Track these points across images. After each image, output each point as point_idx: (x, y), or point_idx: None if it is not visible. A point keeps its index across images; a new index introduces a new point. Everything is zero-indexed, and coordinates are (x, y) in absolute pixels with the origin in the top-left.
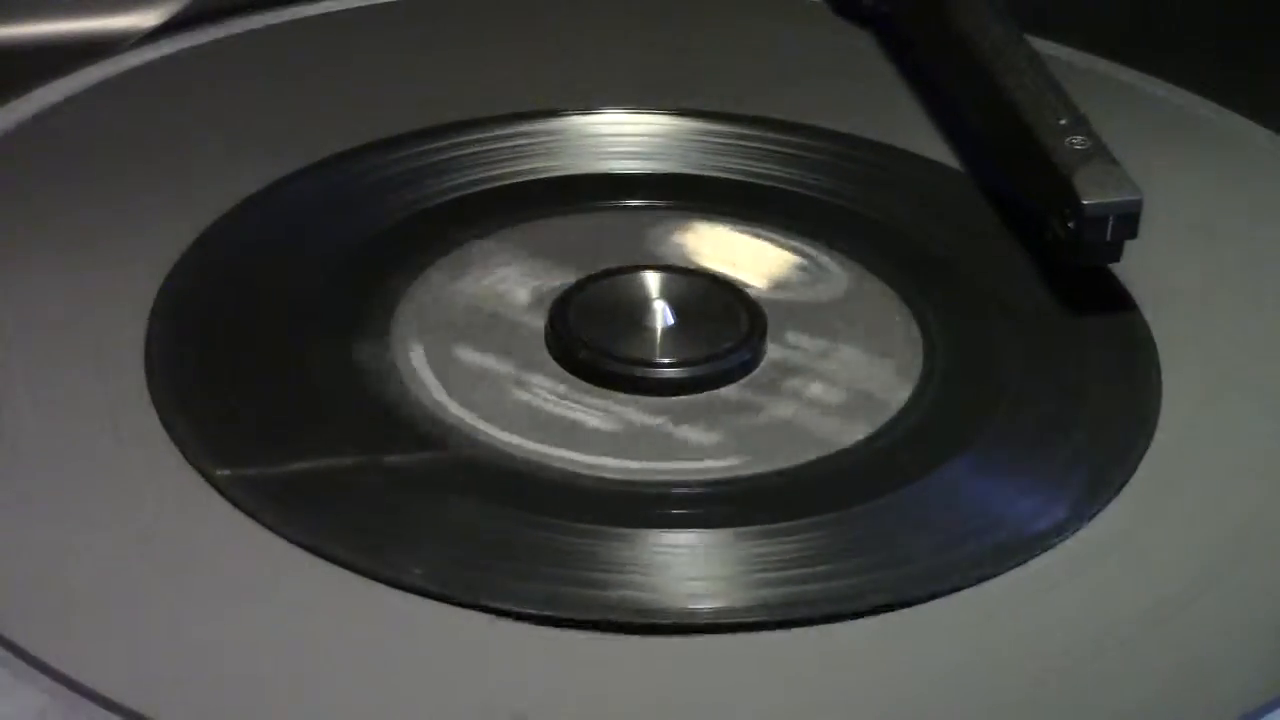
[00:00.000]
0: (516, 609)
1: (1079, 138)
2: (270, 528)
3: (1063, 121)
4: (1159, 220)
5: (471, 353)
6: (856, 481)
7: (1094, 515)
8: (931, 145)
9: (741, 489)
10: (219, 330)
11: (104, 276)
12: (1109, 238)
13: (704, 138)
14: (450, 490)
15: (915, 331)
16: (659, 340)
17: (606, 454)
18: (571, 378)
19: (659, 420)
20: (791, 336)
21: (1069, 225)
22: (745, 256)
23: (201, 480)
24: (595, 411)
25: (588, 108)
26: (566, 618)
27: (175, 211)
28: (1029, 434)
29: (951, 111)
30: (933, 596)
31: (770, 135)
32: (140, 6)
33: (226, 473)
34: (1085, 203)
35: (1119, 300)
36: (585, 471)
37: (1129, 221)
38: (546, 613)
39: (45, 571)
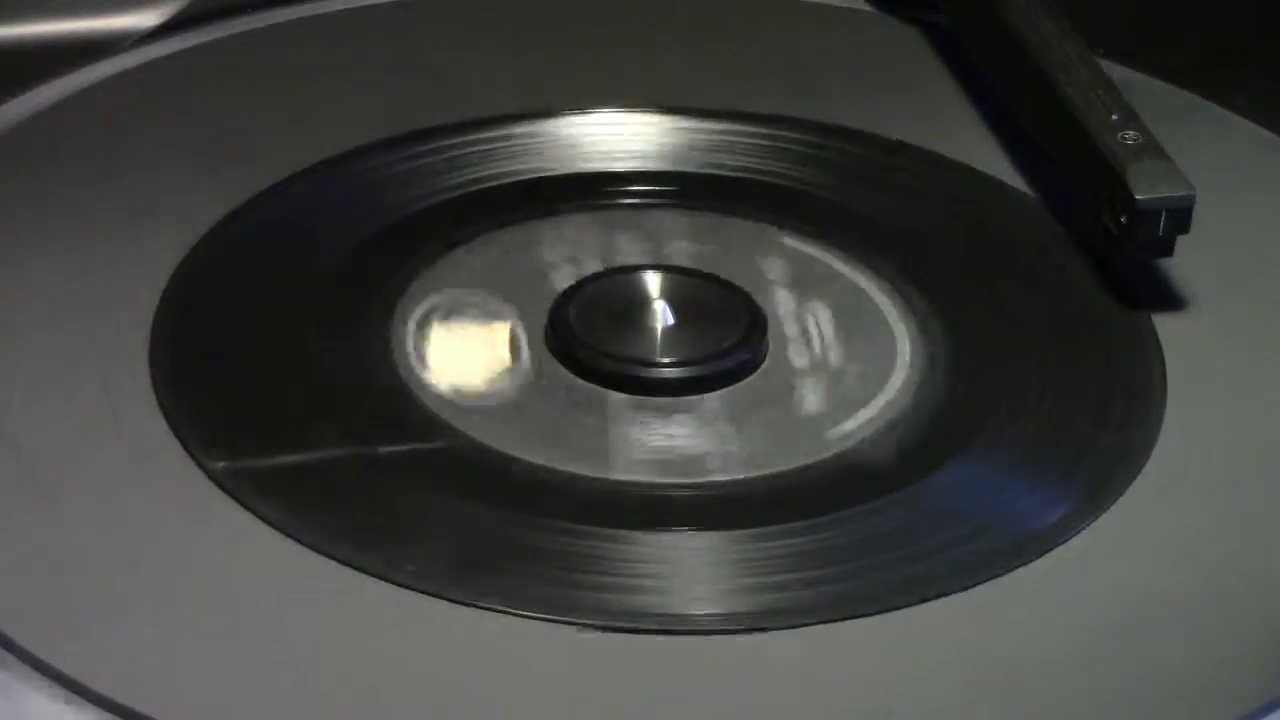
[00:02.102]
0: (510, 608)
1: (1131, 133)
2: (272, 526)
3: (1114, 117)
4: None
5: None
6: (857, 483)
7: (1096, 517)
8: (935, 140)
9: (741, 490)
10: (221, 330)
11: (105, 277)
12: (1161, 233)
13: (703, 136)
14: (448, 489)
15: (915, 331)
16: (659, 340)
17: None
18: (571, 377)
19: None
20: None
21: (1121, 220)
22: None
23: (205, 479)
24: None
25: (586, 107)
26: (560, 618)
27: (175, 212)
28: (1030, 434)
29: (962, 105)
30: (933, 597)
31: (773, 133)
32: (140, 6)
33: (230, 471)
34: (1138, 198)
35: (1121, 300)
36: (584, 471)
37: (1181, 216)
38: (541, 613)
39: (47, 572)
